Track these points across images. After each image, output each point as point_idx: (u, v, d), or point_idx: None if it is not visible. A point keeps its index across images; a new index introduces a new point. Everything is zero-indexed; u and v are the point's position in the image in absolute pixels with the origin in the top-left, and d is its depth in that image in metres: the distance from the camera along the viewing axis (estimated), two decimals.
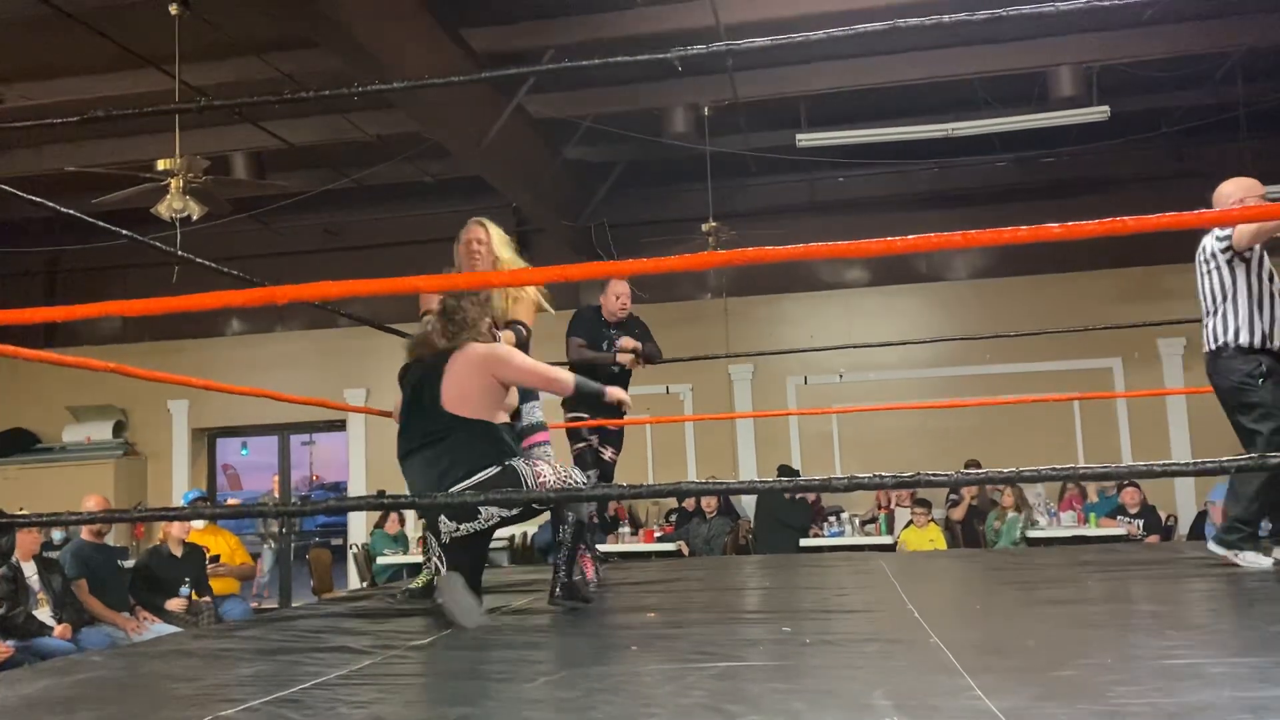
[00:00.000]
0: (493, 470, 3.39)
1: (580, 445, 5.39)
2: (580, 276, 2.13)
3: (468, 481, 3.36)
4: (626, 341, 5.28)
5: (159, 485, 11.31)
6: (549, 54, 7.28)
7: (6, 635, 5.33)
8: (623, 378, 5.46)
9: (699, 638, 2.88)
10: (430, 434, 3.49)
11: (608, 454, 5.45)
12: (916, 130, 8.25)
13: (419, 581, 4.25)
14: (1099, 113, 7.83)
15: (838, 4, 6.79)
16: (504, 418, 3.61)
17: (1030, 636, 2.69)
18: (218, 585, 7.18)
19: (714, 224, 8.97)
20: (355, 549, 9.91)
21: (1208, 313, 4.01)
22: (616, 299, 5.36)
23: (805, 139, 8.26)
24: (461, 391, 3.49)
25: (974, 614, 3.46)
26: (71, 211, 2.85)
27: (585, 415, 5.38)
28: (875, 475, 1.85)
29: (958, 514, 8.90)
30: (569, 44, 7.15)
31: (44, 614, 5.69)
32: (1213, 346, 3.97)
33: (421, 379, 3.57)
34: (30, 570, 5.70)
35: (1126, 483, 8.43)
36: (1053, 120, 8.00)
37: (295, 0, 5.67)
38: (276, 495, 11.97)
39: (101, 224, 3.10)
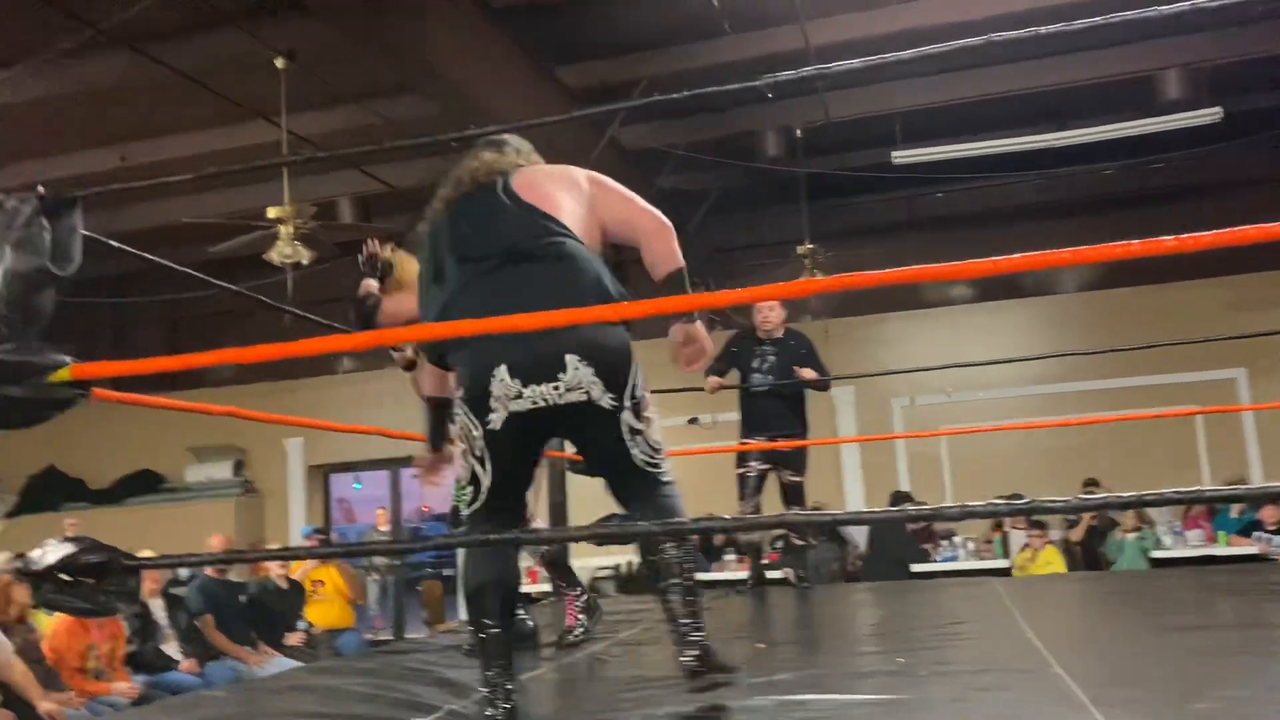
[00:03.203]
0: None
1: (742, 469, 5.39)
2: (674, 309, 2.12)
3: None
4: (804, 373, 5.35)
5: (276, 522, 11.66)
6: (641, 86, 7.34)
7: (137, 670, 5.54)
8: (779, 399, 5.43)
9: (808, 670, 2.83)
10: (501, 252, 2.35)
11: (786, 476, 5.42)
12: (1017, 142, 8.06)
13: None
14: (1211, 115, 7.53)
15: (929, 18, 6.69)
16: None
17: (1159, 665, 2.57)
18: (332, 617, 7.36)
19: (810, 246, 8.89)
20: None
21: None
22: (758, 311, 5.41)
23: (901, 156, 8.14)
24: (549, 196, 2.45)
25: (1097, 641, 3.33)
26: (173, 265, 2.98)
27: (761, 439, 5.39)
28: (989, 503, 1.79)
29: (1076, 535, 8.59)
30: (661, 75, 7.20)
31: (171, 649, 5.91)
32: None
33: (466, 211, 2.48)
34: (158, 607, 5.92)
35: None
36: (1161, 125, 7.72)
37: (393, 49, 5.85)
38: (382, 528, 12.23)
39: (211, 280, 3.22)
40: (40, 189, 2.06)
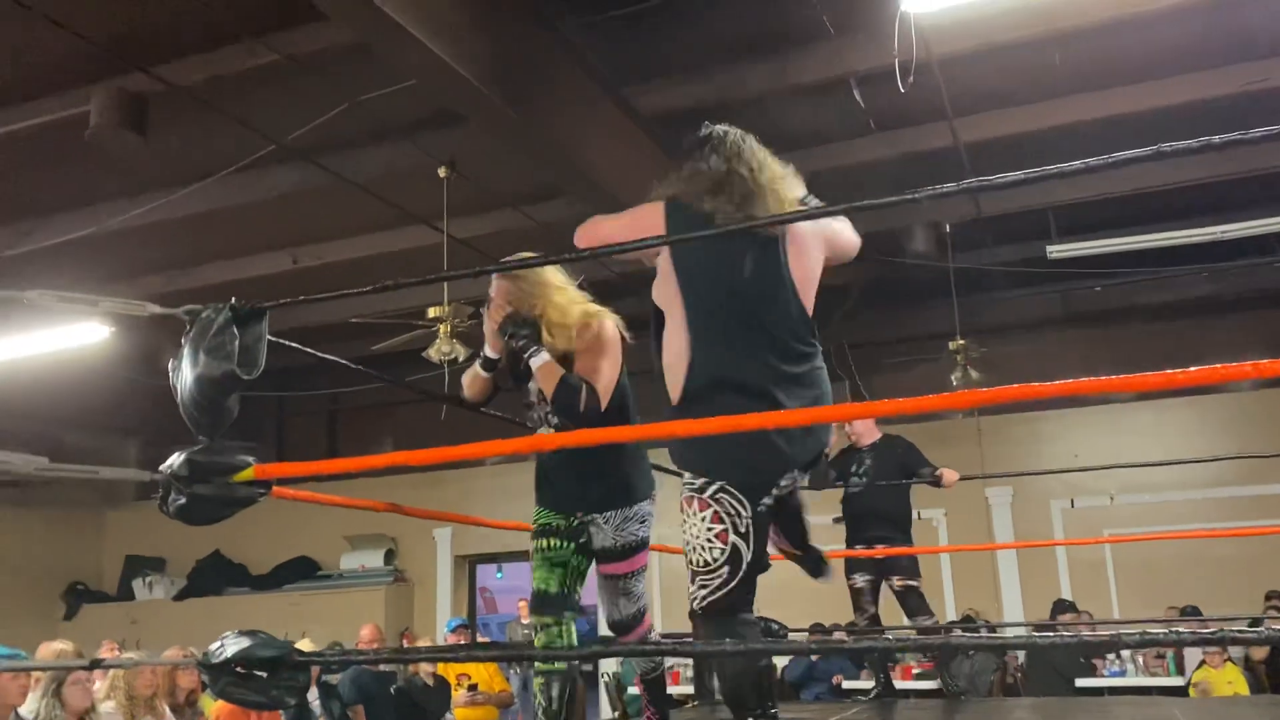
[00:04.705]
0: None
1: (849, 580, 5.33)
2: (835, 418, 2.09)
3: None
4: (949, 475, 5.31)
5: (424, 610, 11.87)
6: None
7: None
8: (875, 503, 5.37)
9: None
10: (798, 346, 2.50)
11: (895, 582, 5.32)
12: (1181, 235, 7.74)
13: None
14: None
15: (1084, 112, 6.57)
16: None
17: None
18: (477, 715, 7.38)
19: (961, 341, 8.68)
20: (607, 677, 9.96)
21: None
22: (847, 425, 5.42)
23: (1057, 251, 7.91)
24: (812, 272, 2.58)
25: None
26: (342, 361, 3.15)
27: (861, 546, 5.31)
28: (1171, 630, 1.68)
29: (1259, 653, 7.94)
30: (805, 174, 7.22)
31: None
32: None
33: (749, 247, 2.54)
34: (313, 695, 6.07)
35: None
36: None
37: (547, 156, 6.09)
38: (524, 620, 12.30)
39: (376, 374, 3.38)
40: (233, 300, 2.21)
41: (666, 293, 2.50)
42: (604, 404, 2.98)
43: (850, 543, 5.44)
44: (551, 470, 3.17)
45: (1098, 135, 6.57)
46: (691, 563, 2.38)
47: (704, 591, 2.36)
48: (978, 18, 5.19)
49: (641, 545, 3.16)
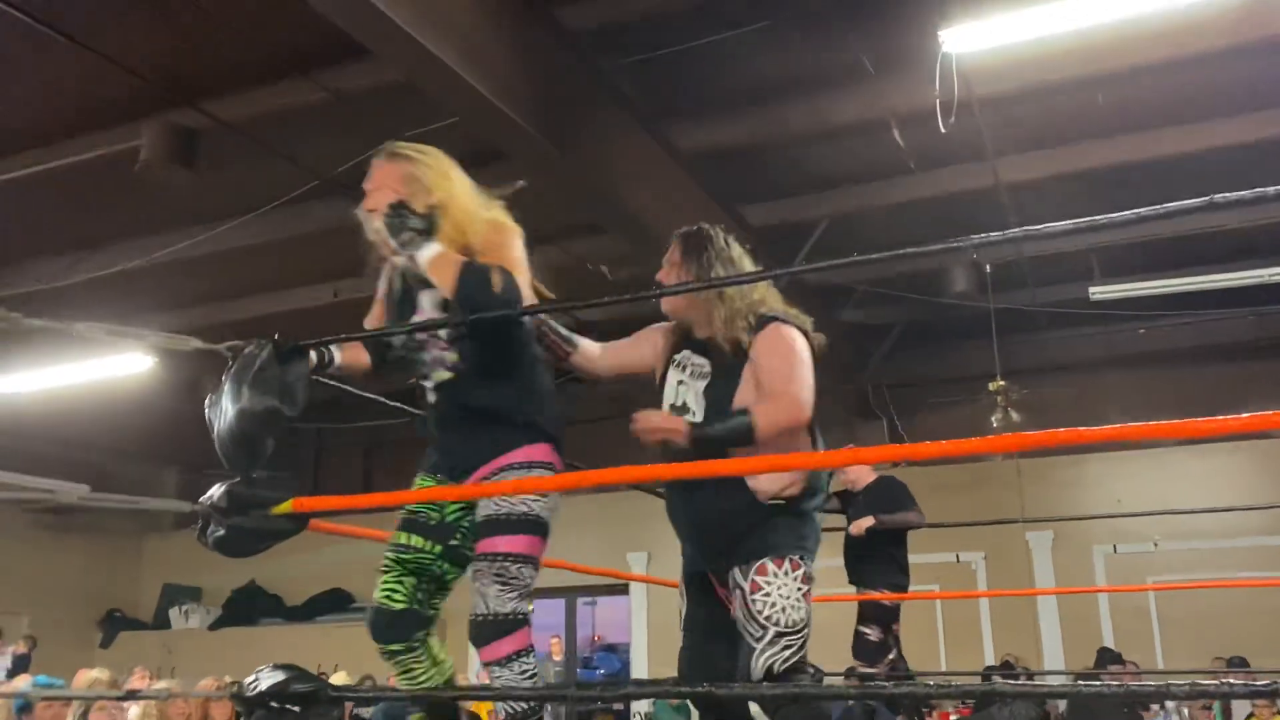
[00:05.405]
0: None
1: (871, 632, 5.29)
2: (876, 459, 2.08)
3: None
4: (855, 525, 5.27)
5: (456, 645, 11.77)
6: (824, 224, 7.39)
7: None
8: (856, 548, 5.35)
9: None
10: None
11: (857, 624, 5.31)
12: (1226, 278, 7.62)
13: None
14: None
15: (1127, 153, 6.52)
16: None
17: None
18: None
19: (1002, 383, 8.58)
20: (639, 717, 9.86)
21: None
22: (842, 471, 5.40)
23: (1100, 292, 7.81)
24: None
25: None
26: (376, 397, 3.15)
27: (854, 590, 5.29)
28: (1224, 681, 1.63)
29: None
30: (844, 213, 7.24)
31: None
32: None
33: None
34: None
35: None
36: None
37: (587, 193, 6.13)
38: (556, 658, 12.23)
39: (410, 408, 3.39)
40: (276, 336, 2.22)
41: None
42: (526, 293, 2.42)
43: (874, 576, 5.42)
44: (440, 422, 2.58)
45: (1141, 176, 6.51)
46: (776, 624, 2.43)
47: (788, 652, 2.43)
48: (1020, 58, 5.18)
49: (535, 525, 2.37)
